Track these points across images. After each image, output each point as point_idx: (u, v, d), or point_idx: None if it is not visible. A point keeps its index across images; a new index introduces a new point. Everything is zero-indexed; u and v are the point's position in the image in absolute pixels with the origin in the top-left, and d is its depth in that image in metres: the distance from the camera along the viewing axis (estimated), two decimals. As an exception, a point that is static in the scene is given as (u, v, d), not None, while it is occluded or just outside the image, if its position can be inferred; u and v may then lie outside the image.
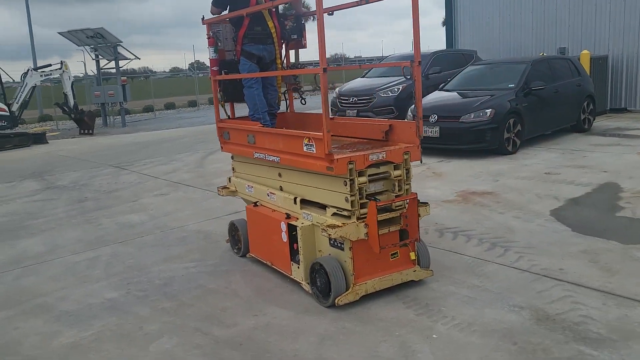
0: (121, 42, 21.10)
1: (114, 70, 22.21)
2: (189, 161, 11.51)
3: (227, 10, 4.92)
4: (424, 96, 9.83)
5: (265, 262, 4.95)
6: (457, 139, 9.55)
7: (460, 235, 5.51)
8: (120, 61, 21.84)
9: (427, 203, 4.41)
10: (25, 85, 17.87)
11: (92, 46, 21.54)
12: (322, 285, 4.14)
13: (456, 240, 5.39)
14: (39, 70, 18.40)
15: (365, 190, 4.07)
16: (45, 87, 26.41)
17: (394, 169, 4.15)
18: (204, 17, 5.01)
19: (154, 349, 3.70)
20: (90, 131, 19.54)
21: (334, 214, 4.13)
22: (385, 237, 4.06)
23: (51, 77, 18.83)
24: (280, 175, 4.73)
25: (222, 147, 5.39)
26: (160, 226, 6.66)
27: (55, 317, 4.32)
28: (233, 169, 5.55)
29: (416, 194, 4.18)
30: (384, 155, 4.09)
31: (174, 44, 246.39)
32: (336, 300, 4.04)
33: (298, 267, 4.41)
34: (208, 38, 5.06)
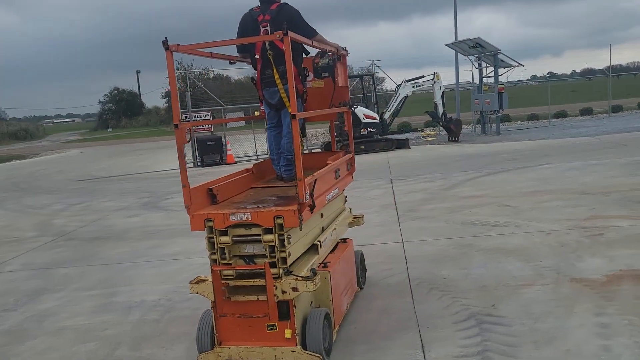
0: (499, 50, 21.04)
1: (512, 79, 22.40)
2: (456, 180, 11.17)
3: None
4: None
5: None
6: None
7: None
8: (500, 69, 21.79)
9: (311, 277, 3.74)
10: (398, 96, 20.10)
11: (475, 55, 22.21)
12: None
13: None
14: (412, 82, 20.30)
15: (240, 251, 3.84)
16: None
17: (265, 233, 3.73)
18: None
19: None
20: (456, 138, 20.43)
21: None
22: (251, 306, 3.74)
23: (423, 87, 20.50)
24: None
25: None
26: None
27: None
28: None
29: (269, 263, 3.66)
30: (249, 217, 3.74)
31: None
32: (198, 356, 3.99)
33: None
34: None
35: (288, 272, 3.78)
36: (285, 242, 3.69)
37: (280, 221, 3.67)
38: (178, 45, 3.72)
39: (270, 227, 3.69)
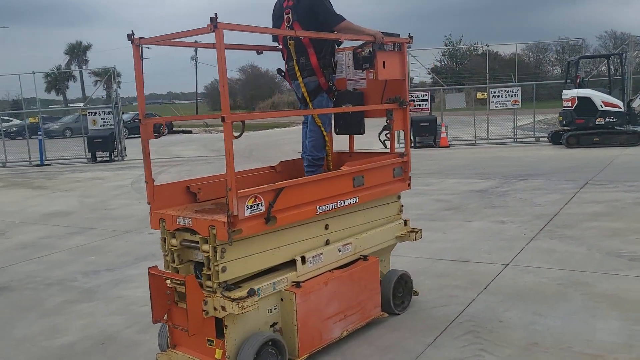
0: None
1: None
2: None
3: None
4: None
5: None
6: None
7: None
8: None
9: (243, 297, 3.35)
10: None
11: None
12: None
13: None
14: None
15: (193, 256, 3.68)
16: None
17: (202, 242, 3.47)
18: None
19: None
20: None
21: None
22: (176, 313, 3.57)
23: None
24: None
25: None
26: None
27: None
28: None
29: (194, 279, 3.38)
30: (190, 222, 3.52)
31: None
32: (156, 354, 3.96)
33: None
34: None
35: (228, 287, 3.47)
36: (218, 255, 3.38)
37: (214, 231, 3.36)
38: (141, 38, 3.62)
39: (206, 237, 3.42)
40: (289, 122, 42.49)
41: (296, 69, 4.33)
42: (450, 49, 56.59)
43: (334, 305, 3.97)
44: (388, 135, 4.65)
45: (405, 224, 4.83)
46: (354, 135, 5.08)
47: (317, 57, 4.27)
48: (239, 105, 65.67)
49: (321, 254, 4.01)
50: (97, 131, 19.86)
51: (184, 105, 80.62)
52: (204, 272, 3.47)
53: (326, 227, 4.10)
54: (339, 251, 4.16)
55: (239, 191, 3.33)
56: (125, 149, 20.30)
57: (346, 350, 4.02)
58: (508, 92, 19.18)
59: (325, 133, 4.47)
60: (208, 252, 3.41)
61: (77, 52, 58.46)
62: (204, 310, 3.43)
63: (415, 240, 4.80)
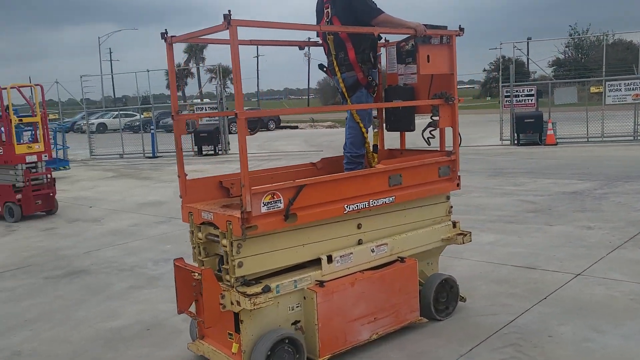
0: None
1: None
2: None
3: None
4: None
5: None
6: None
7: None
8: None
9: (258, 294, 3.35)
10: None
11: None
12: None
13: None
14: None
15: (219, 250, 3.75)
16: None
17: (222, 237, 3.52)
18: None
19: None
20: None
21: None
22: (200, 305, 3.65)
23: None
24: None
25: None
26: None
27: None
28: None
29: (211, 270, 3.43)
30: (212, 217, 3.58)
31: None
32: (188, 343, 4.08)
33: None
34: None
35: (247, 283, 3.49)
36: (234, 251, 3.40)
37: (231, 227, 3.40)
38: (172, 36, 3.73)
39: (224, 232, 3.46)
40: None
41: (335, 64, 4.25)
42: (576, 40, 52.92)
43: (362, 307, 3.86)
44: (433, 133, 4.42)
45: (454, 225, 4.58)
46: (406, 132, 4.90)
47: (355, 52, 4.16)
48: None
49: (351, 253, 3.91)
50: (203, 126, 20.88)
51: (298, 101, 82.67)
52: (223, 266, 3.51)
53: (359, 227, 3.99)
54: (372, 251, 4.04)
55: (254, 187, 3.33)
56: (228, 143, 21.18)
57: (374, 354, 3.89)
58: (628, 85, 17.58)
59: (364, 129, 4.35)
60: (226, 247, 3.44)
61: (195, 50, 61.93)
62: (221, 304, 3.47)
63: (463, 243, 4.53)
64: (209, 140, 20.68)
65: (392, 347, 3.97)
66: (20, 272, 6.51)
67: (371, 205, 3.94)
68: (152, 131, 21.25)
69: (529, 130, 17.91)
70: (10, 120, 9.45)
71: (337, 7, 4.18)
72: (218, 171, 15.32)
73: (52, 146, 17.05)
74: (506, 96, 18.62)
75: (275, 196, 3.43)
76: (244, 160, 3.25)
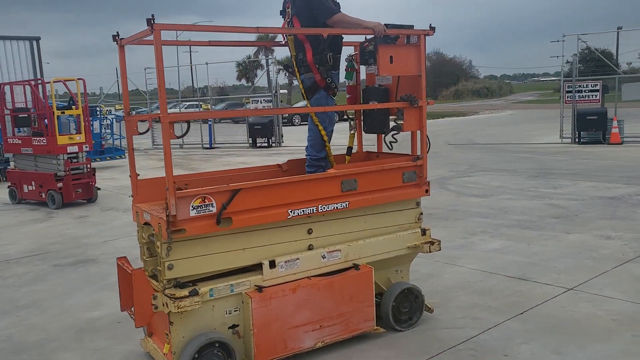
0: None
1: None
2: None
3: None
4: None
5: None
6: None
7: None
8: None
9: (184, 297, 3.36)
10: None
11: None
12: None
13: None
14: None
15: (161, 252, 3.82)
16: None
17: (157, 238, 3.56)
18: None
19: None
20: None
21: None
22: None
23: None
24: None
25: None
26: None
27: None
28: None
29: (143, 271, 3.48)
30: (149, 218, 3.63)
31: None
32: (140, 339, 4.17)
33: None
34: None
35: (180, 285, 3.52)
36: (164, 253, 3.44)
37: (161, 229, 3.43)
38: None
39: (157, 233, 3.50)
40: (465, 112, 41.05)
41: (294, 65, 4.18)
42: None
43: (306, 314, 3.79)
44: (396, 137, 4.27)
45: (424, 233, 4.40)
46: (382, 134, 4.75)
47: (313, 53, 4.07)
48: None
49: (297, 259, 3.84)
50: (257, 118, 21.19)
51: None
52: (158, 268, 3.56)
53: (309, 232, 3.92)
54: (323, 257, 3.95)
55: (181, 191, 3.34)
56: (282, 135, 21.38)
57: (309, 364, 3.82)
58: None
59: (323, 132, 4.25)
60: (158, 247, 3.48)
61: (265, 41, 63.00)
62: (154, 305, 3.51)
63: (430, 252, 4.35)
64: (262, 133, 20.96)
65: (337, 357, 3.88)
66: (37, 258, 6.89)
67: (321, 211, 3.85)
68: (209, 122, 21.79)
69: (592, 128, 16.89)
70: (53, 112, 9.99)
71: (297, 6, 4.10)
72: (263, 163, 15.55)
73: (109, 136, 17.91)
74: (568, 91, 17.64)
75: (206, 200, 3.43)
76: (168, 162, 3.27)
